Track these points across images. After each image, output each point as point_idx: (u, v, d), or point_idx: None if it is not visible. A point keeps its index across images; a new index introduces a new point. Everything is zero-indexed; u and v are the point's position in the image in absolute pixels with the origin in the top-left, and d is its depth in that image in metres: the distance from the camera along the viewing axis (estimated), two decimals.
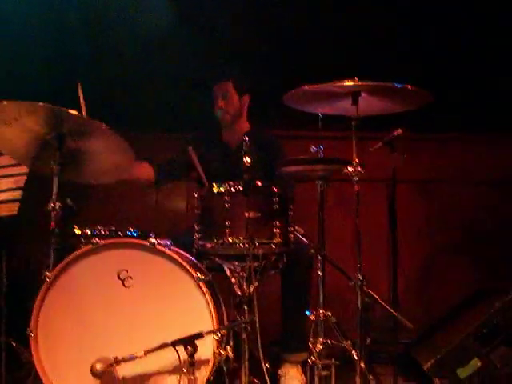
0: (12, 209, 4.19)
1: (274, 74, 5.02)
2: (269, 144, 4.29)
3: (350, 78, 3.38)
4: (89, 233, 3.59)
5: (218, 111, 4.39)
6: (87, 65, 5.22)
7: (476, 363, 4.08)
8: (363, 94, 3.49)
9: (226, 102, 4.37)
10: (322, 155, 3.60)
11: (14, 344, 4.04)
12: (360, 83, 3.38)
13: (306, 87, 3.43)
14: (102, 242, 3.46)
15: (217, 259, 3.64)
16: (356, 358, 3.42)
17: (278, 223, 3.42)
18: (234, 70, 4.50)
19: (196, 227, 3.50)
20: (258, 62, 5.18)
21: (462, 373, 4.09)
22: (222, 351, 3.38)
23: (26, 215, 4.25)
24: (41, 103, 3.46)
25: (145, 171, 4.35)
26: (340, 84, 3.39)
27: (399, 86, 3.38)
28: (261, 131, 4.40)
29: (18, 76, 5.00)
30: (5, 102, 3.47)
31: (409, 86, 3.38)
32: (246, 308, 3.43)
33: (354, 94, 3.46)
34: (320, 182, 3.63)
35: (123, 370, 3.33)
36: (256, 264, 3.47)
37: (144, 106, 5.28)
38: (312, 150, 3.62)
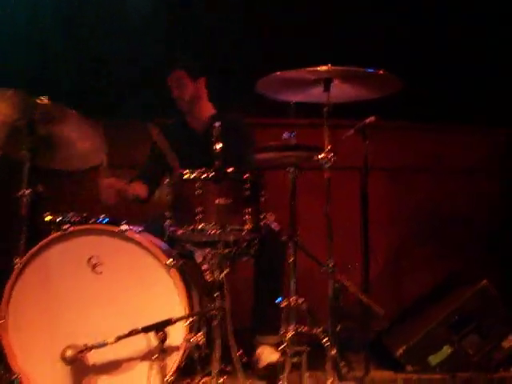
0: None
1: (248, 61, 5.00)
2: (235, 126, 4.24)
3: (323, 64, 3.39)
4: (59, 219, 3.57)
5: (175, 101, 4.44)
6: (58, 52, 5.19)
7: (447, 350, 4.12)
8: (335, 81, 3.50)
9: (180, 90, 4.40)
10: (295, 141, 3.60)
11: None
12: (332, 68, 3.40)
13: (279, 73, 3.44)
14: (72, 228, 3.45)
15: (188, 245, 3.64)
16: (327, 344, 3.44)
17: (249, 210, 3.42)
18: (184, 56, 4.57)
19: (167, 214, 3.49)
20: (231, 49, 5.16)
21: (434, 360, 4.12)
22: (192, 338, 3.38)
23: None
24: (11, 90, 3.45)
25: (140, 191, 4.36)
26: (312, 69, 3.40)
27: (370, 71, 3.39)
28: (226, 114, 4.37)
29: None
30: None
31: (380, 71, 3.40)
32: (217, 294, 3.43)
33: (326, 81, 3.47)
34: (292, 169, 3.63)
35: (94, 357, 3.33)
36: (227, 250, 3.49)
37: (114, 93, 5.24)
38: (284, 136, 3.62)
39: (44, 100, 3.48)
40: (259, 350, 3.97)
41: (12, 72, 4.88)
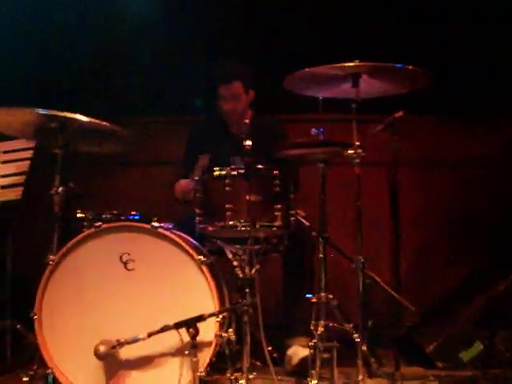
0: (16, 193, 4.22)
1: (276, 58, 4.99)
2: (271, 127, 4.26)
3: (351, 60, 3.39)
4: (91, 216, 3.61)
5: (225, 111, 4.29)
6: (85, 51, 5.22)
7: (478, 346, 4.09)
8: (364, 77, 3.50)
9: (235, 102, 4.27)
10: (323, 138, 3.61)
11: (18, 327, 4.08)
12: (360, 64, 3.40)
13: (307, 70, 3.44)
14: (105, 225, 3.48)
15: (218, 242, 3.67)
16: (357, 340, 3.44)
17: (279, 206, 3.44)
18: (241, 66, 4.33)
19: (198, 211, 3.52)
20: (258, 48, 5.14)
21: (465, 356, 4.10)
22: (223, 333, 3.40)
23: (31, 199, 4.29)
24: (40, 110, 3.50)
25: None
26: (341, 65, 3.41)
27: (399, 66, 3.39)
28: (263, 116, 4.36)
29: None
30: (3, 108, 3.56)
31: (409, 67, 3.39)
32: (247, 291, 3.45)
33: (355, 76, 3.47)
34: (321, 165, 3.64)
35: (126, 353, 3.36)
36: (257, 247, 3.51)
37: (147, 90, 5.26)
38: (312, 133, 3.62)
39: (71, 117, 3.52)
40: (291, 351, 3.93)
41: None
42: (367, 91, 3.57)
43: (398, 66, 3.40)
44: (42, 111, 3.51)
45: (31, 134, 3.87)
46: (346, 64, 3.40)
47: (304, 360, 3.58)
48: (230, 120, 4.35)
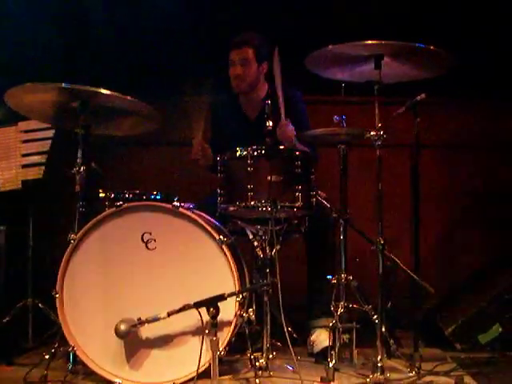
0: (38, 172, 4.25)
1: (299, 39, 4.94)
2: (291, 103, 4.09)
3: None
4: (113, 196, 3.62)
5: (233, 78, 4.22)
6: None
7: (497, 329, 4.09)
8: (386, 59, 3.48)
9: (244, 69, 4.18)
10: (345, 125, 3.60)
11: (40, 305, 4.11)
12: (381, 42, 3.38)
13: (330, 47, 3.42)
14: (126, 204, 3.49)
15: (239, 222, 3.68)
16: (377, 322, 3.45)
17: (300, 187, 3.43)
18: (255, 35, 4.24)
19: (219, 191, 3.53)
20: (281, 27, 5.10)
21: (483, 338, 4.10)
22: (243, 313, 3.42)
23: (52, 178, 4.31)
24: (63, 84, 3.53)
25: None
26: (363, 43, 3.39)
27: (421, 46, 3.36)
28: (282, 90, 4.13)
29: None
30: (28, 84, 3.57)
31: (431, 47, 3.37)
32: (267, 271, 3.46)
33: (377, 58, 3.45)
34: (342, 147, 3.63)
35: (146, 331, 3.39)
36: (278, 227, 3.51)
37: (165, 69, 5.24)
38: (335, 120, 3.62)
39: (93, 90, 3.53)
40: (314, 336, 3.88)
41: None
42: (389, 75, 3.55)
43: (420, 45, 3.37)
44: (65, 85, 3.54)
45: (52, 118, 3.91)
46: (368, 42, 3.37)
47: (326, 350, 3.57)
48: (236, 89, 4.25)
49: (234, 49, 4.20)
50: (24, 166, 4.27)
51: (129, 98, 3.61)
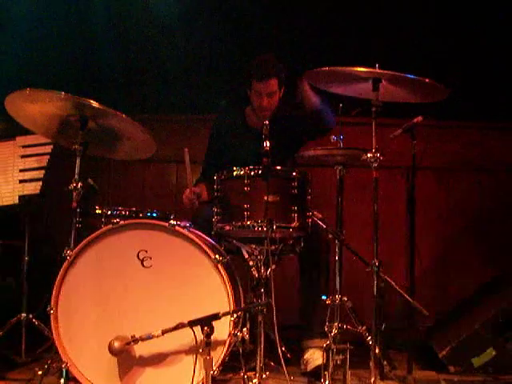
0: (35, 188, 4.25)
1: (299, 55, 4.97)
2: (293, 111, 4.21)
3: (371, 65, 3.40)
4: (109, 213, 3.63)
5: (258, 107, 4.22)
6: (111, 51, 5.25)
7: (491, 352, 4.09)
8: (384, 82, 3.50)
9: (270, 100, 4.19)
10: (342, 145, 3.62)
11: (34, 321, 4.10)
12: (374, 70, 3.40)
13: (327, 68, 3.44)
14: (123, 222, 3.50)
15: (235, 242, 3.69)
16: (371, 343, 3.45)
17: (296, 207, 3.45)
18: (277, 64, 4.22)
19: (215, 210, 3.54)
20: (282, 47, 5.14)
21: (477, 361, 4.10)
22: (237, 333, 3.42)
23: (49, 194, 4.31)
24: (63, 93, 3.53)
25: (205, 193, 4.27)
26: (356, 69, 3.40)
27: (415, 78, 3.37)
28: (286, 109, 4.29)
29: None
30: (28, 91, 3.57)
31: (426, 80, 3.38)
32: (262, 291, 3.46)
33: (375, 81, 3.47)
34: (339, 168, 3.65)
35: (140, 349, 3.38)
36: (273, 247, 3.52)
37: (169, 89, 5.27)
38: (332, 140, 3.64)
39: (93, 104, 3.55)
40: (307, 355, 3.89)
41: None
42: (386, 96, 3.56)
43: (413, 77, 3.38)
44: (64, 95, 3.54)
45: (51, 131, 3.90)
46: (362, 69, 3.38)
47: (319, 368, 3.57)
48: (260, 115, 4.25)
49: (259, 81, 4.17)
50: (21, 181, 4.27)
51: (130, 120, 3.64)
